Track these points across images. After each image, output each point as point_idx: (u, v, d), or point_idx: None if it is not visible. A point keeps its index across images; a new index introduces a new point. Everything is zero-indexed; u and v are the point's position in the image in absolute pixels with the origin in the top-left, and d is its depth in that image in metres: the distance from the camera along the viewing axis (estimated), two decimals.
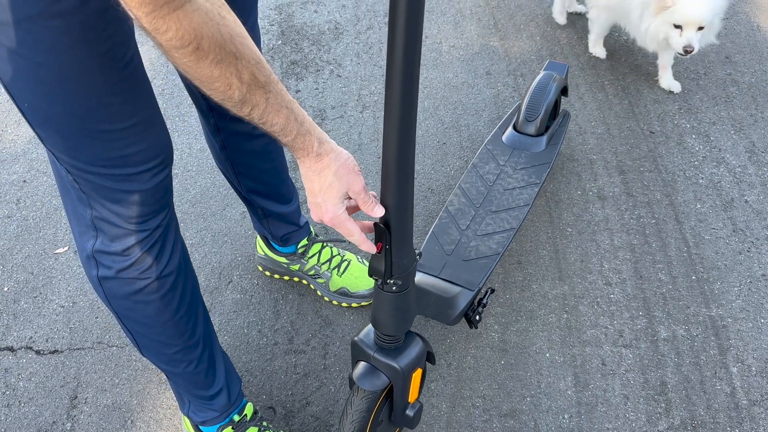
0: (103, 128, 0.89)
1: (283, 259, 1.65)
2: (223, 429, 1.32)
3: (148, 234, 1.04)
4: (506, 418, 1.46)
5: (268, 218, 1.54)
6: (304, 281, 1.70)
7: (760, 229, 1.82)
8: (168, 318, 1.14)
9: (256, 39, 1.24)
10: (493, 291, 1.51)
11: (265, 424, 1.37)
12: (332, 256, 1.65)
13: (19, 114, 2.14)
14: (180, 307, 1.15)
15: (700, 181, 1.96)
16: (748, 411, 1.47)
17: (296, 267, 1.66)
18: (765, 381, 1.52)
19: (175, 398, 1.47)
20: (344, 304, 1.64)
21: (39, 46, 0.79)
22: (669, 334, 1.60)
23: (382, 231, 0.99)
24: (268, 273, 1.72)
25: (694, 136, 2.09)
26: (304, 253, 1.64)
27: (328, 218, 0.98)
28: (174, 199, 1.73)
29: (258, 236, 1.67)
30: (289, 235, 1.59)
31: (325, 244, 1.66)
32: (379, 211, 0.99)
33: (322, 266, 1.64)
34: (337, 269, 1.63)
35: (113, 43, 0.85)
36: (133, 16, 0.68)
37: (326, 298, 1.66)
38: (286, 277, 1.70)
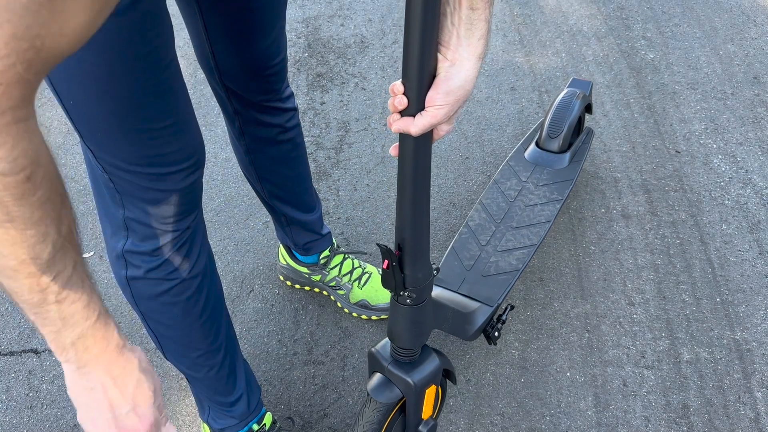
0: (142, 127, 0.91)
1: (304, 269, 1.66)
2: None
3: (178, 234, 1.06)
4: None
5: (290, 226, 1.55)
6: (325, 292, 1.70)
7: None
8: (192, 321, 1.15)
9: (283, 48, 1.26)
10: (512, 307, 1.51)
11: None
12: (353, 268, 1.65)
13: (49, 120, 2.19)
14: (204, 311, 1.16)
15: (726, 202, 1.93)
16: None
17: (317, 278, 1.67)
18: None
19: (195, 405, 1.48)
20: (364, 317, 1.65)
21: (90, 45, 0.79)
22: (692, 357, 1.58)
23: (384, 250, 0.99)
24: (289, 283, 1.73)
25: (720, 157, 2.07)
26: (325, 264, 1.65)
27: (149, 425, 0.78)
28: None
29: (281, 246, 1.68)
30: (311, 243, 1.59)
31: (346, 256, 1.67)
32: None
33: (343, 278, 1.64)
34: (358, 281, 1.64)
35: (156, 46, 0.87)
36: None
37: (346, 310, 1.66)
38: (307, 288, 1.71)
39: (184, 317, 1.14)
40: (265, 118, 1.33)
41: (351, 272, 1.65)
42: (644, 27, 2.58)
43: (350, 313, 1.66)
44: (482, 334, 1.47)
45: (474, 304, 1.46)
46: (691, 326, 1.64)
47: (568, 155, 1.82)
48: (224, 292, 1.68)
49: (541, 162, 1.82)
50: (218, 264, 1.78)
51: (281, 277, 1.74)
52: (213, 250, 1.79)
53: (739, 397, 1.51)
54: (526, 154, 1.85)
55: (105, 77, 0.85)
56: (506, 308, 1.49)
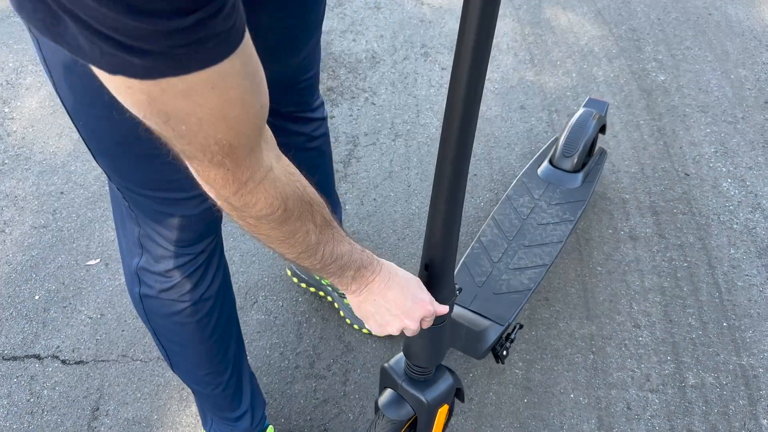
0: (151, 153, 0.88)
1: (303, 286, 1.66)
2: None
3: (191, 258, 1.04)
4: None
5: None
6: (329, 298, 1.70)
7: None
8: (202, 341, 1.15)
9: (315, 63, 1.26)
10: (521, 327, 1.49)
11: None
12: None
13: (60, 127, 2.20)
14: (215, 332, 1.16)
15: (735, 226, 1.92)
16: None
17: (327, 281, 1.66)
18: None
19: (196, 415, 1.47)
20: (364, 330, 1.64)
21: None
22: (697, 381, 1.57)
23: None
24: (296, 280, 1.72)
25: (729, 180, 2.06)
26: None
27: (430, 304, 0.95)
28: None
29: None
30: None
31: None
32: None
33: None
34: None
35: None
36: (220, 199, 0.68)
37: (348, 320, 1.66)
38: (312, 290, 1.71)
39: (194, 337, 1.14)
40: (292, 127, 1.33)
41: None
42: (655, 49, 2.59)
43: (351, 324, 1.65)
44: (492, 354, 1.46)
45: (485, 322, 1.45)
46: (697, 350, 1.63)
47: (581, 175, 1.82)
48: None
49: (554, 180, 1.82)
50: None
51: (288, 272, 1.73)
52: None
53: (744, 424, 1.49)
54: (539, 171, 1.85)
55: (109, 100, 0.84)
56: (515, 327, 1.48)
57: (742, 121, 2.28)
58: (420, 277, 0.99)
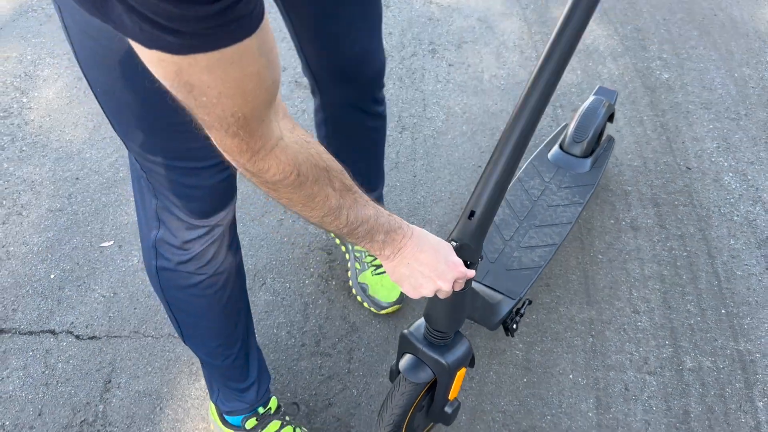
0: (169, 120, 0.92)
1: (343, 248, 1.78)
2: (247, 419, 1.37)
3: (208, 231, 1.08)
4: None
5: None
6: (347, 256, 1.78)
7: None
8: (216, 313, 1.20)
9: (377, 59, 1.33)
10: (530, 302, 1.53)
11: (287, 419, 1.41)
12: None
13: (76, 117, 2.27)
14: (227, 305, 1.21)
15: (735, 218, 1.95)
16: None
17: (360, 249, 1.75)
18: None
19: (205, 388, 1.52)
20: (359, 298, 1.70)
21: (110, 32, 0.86)
22: (695, 365, 1.60)
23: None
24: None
25: (731, 174, 2.09)
26: None
27: (461, 266, 1.01)
28: None
29: None
30: None
31: None
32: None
33: (368, 256, 1.69)
34: (375, 268, 1.68)
35: None
36: (237, 165, 0.75)
37: (351, 285, 1.72)
38: (338, 241, 1.83)
39: (209, 309, 1.19)
40: (350, 115, 1.41)
41: (374, 258, 1.69)
42: (660, 48, 2.63)
43: (351, 290, 1.72)
44: (501, 326, 1.50)
45: (498, 296, 1.50)
46: (695, 336, 1.66)
47: (589, 161, 1.87)
48: None
49: (564, 164, 1.87)
50: None
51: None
52: None
53: (740, 406, 1.52)
54: (549, 156, 1.90)
55: (126, 66, 0.87)
56: (524, 302, 1.52)
57: (745, 117, 2.31)
58: (449, 241, 1.06)
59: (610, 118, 1.98)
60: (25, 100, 2.36)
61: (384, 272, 1.70)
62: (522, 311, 1.49)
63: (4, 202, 1.99)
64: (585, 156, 1.87)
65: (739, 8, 2.84)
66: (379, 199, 1.69)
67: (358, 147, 1.52)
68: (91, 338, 1.65)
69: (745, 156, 2.16)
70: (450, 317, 1.14)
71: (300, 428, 1.41)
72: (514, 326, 1.49)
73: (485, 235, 1.09)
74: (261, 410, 1.38)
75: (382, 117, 1.48)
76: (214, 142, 0.72)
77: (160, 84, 0.71)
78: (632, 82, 2.46)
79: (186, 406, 1.51)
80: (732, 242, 1.88)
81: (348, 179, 0.86)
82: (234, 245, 1.17)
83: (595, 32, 2.71)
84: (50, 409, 1.51)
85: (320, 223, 0.86)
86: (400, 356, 1.25)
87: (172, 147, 0.96)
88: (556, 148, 1.91)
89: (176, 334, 1.61)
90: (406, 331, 1.23)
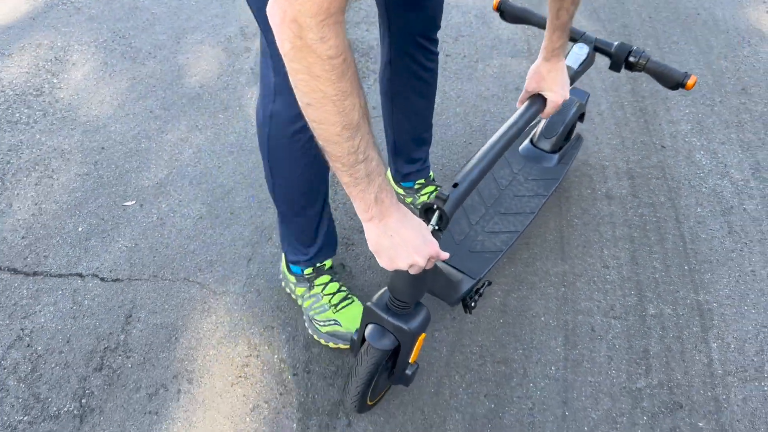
0: None
1: (400, 191, 2.00)
2: (304, 269, 1.65)
3: None
4: (499, 364, 1.64)
5: (397, 155, 1.88)
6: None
7: (754, 233, 1.98)
8: (309, 173, 1.43)
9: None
10: (490, 283, 1.66)
11: (336, 276, 1.72)
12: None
13: (102, 95, 2.48)
14: (321, 168, 1.43)
15: (703, 189, 2.13)
16: (722, 379, 1.61)
17: (410, 200, 1.97)
18: (741, 357, 1.66)
19: (215, 322, 1.70)
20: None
21: None
22: (657, 312, 1.77)
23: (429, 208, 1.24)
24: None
25: (702, 152, 2.27)
26: (419, 189, 1.95)
27: (437, 246, 1.11)
28: (229, 172, 2.04)
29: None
30: (411, 174, 1.92)
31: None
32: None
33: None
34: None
35: None
36: (304, 30, 0.80)
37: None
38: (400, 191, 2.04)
39: (304, 170, 1.42)
40: (413, 51, 1.61)
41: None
42: (645, 42, 2.81)
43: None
44: (461, 303, 1.65)
45: (459, 275, 1.63)
46: (659, 287, 1.83)
47: (557, 156, 2.01)
48: (246, 238, 1.93)
49: (533, 158, 2.01)
50: (242, 216, 2.02)
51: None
52: (239, 205, 2.04)
53: (696, 346, 1.68)
54: (520, 149, 2.04)
55: None
56: (484, 283, 1.66)
57: (720, 104, 2.49)
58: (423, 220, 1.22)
59: (581, 117, 2.12)
60: (55, 81, 2.58)
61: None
62: (481, 291, 1.63)
63: (37, 167, 2.20)
64: (553, 151, 2.00)
65: (721, 8, 3.03)
66: (425, 157, 1.92)
67: (416, 89, 1.72)
68: (115, 280, 1.84)
69: (717, 137, 2.33)
70: (414, 289, 1.25)
71: (344, 285, 1.71)
72: (473, 304, 1.61)
73: (458, 206, 1.24)
74: (318, 265, 1.65)
75: (436, 56, 1.69)
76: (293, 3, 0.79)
77: None
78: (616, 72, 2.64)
79: (198, 336, 1.70)
80: (699, 210, 2.05)
81: (367, 108, 0.92)
82: None
83: (584, 28, 2.90)
84: (77, 337, 1.70)
85: (336, 138, 0.91)
86: (363, 327, 1.36)
87: None
88: (526, 142, 2.04)
89: (192, 278, 1.81)
90: (369, 303, 1.33)
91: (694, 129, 2.37)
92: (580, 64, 1.72)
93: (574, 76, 1.69)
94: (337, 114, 0.88)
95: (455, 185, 1.23)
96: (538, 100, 1.49)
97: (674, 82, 1.70)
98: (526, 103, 1.48)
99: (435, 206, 1.21)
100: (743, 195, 2.10)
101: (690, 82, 1.66)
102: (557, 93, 1.48)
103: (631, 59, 1.72)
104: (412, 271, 1.12)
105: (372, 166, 0.97)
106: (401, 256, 1.07)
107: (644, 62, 1.71)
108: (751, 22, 2.92)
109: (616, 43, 1.75)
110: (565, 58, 1.64)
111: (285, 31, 0.83)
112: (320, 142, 0.95)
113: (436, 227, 1.22)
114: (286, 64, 0.87)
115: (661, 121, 2.41)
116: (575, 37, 1.77)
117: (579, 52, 1.73)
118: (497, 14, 2.99)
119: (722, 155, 2.26)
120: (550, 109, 1.50)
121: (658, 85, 2.58)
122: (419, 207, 1.90)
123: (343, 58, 0.84)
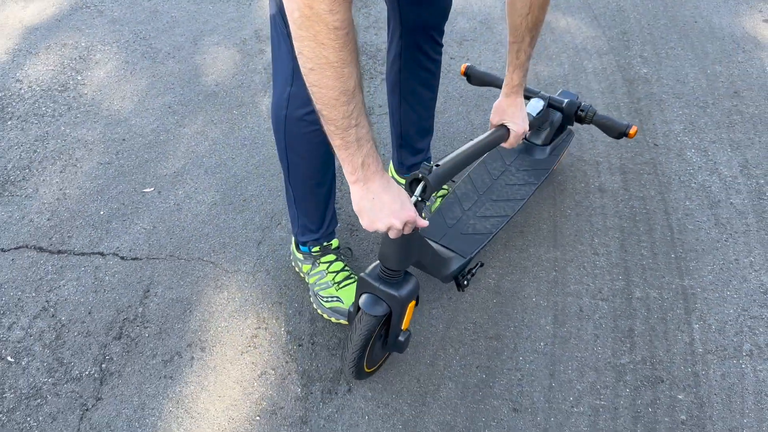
0: None
1: (403, 182, 2.08)
2: (312, 247, 1.78)
3: None
4: (491, 340, 1.75)
5: (402, 148, 1.98)
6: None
7: (740, 225, 2.08)
8: (324, 157, 1.53)
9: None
10: (482, 265, 1.77)
11: (341, 257, 1.82)
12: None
13: (124, 92, 2.63)
14: (330, 153, 1.52)
15: (693, 184, 2.23)
16: (702, 357, 1.71)
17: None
18: (721, 337, 1.76)
19: (227, 297, 1.82)
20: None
21: None
22: (643, 295, 1.87)
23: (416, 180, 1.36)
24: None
25: (693, 150, 2.37)
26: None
27: (414, 212, 1.22)
28: (242, 163, 2.17)
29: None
30: (415, 165, 2.02)
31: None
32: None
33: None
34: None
35: None
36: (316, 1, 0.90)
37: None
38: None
39: (316, 152, 1.52)
40: (423, 43, 1.72)
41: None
42: (642, 48, 2.93)
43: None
44: (453, 281, 1.76)
45: (450, 254, 1.74)
46: (645, 273, 1.93)
47: (548, 148, 2.12)
48: (257, 223, 2.06)
49: (525, 150, 2.12)
50: (254, 203, 2.15)
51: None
52: (251, 193, 2.16)
53: (679, 327, 1.78)
54: None
55: None
56: (477, 264, 1.77)
57: (712, 106, 2.60)
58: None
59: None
60: (79, 78, 2.73)
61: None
62: (474, 271, 1.74)
63: (62, 156, 2.34)
64: (545, 144, 2.10)
65: (718, 16, 3.14)
66: (427, 147, 2.02)
67: (423, 80, 1.82)
68: (134, 259, 1.97)
69: (708, 136, 2.44)
70: (400, 256, 1.36)
71: (348, 266, 1.81)
72: (465, 282, 1.72)
73: (443, 182, 1.35)
74: (325, 243, 1.77)
75: (441, 48, 1.78)
76: None
77: None
78: (613, 75, 2.76)
79: (211, 310, 1.82)
80: (687, 203, 2.16)
81: (362, 81, 1.02)
82: None
83: (584, 33, 3.03)
84: (98, 309, 1.83)
85: (333, 102, 0.99)
86: (358, 297, 1.47)
87: None
88: None
89: (206, 257, 1.93)
90: (362, 274, 1.44)
91: (687, 129, 2.48)
92: (537, 114, 1.93)
93: (533, 122, 1.90)
94: (337, 79, 0.98)
95: (437, 165, 1.36)
96: (503, 128, 1.65)
97: (618, 132, 1.93)
98: (493, 129, 1.66)
99: (420, 175, 1.33)
100: (731, 190, 2.20)
101: (631, 131, 1.89)
102: (519, 125, 1.63)
103: (580, 113, 1.97)
104: (391, 235, 1.23)
105: (362, 132, 1.07)
106: (380, 218, 1.17)
107: (591, 115, 1.96)
108: (747, 29, 3.03)
109: (566, 100, 1.97)
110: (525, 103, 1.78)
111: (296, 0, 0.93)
112: (318, 106, 1.05)
113: (419, 198, 1.33)
114: (292, 31, 0.98)
115: (655, 121, 2.51)
116: (531, 96, 2.01)
117: (536, 104, 1.95)
118: (502, 19, 3.12)
119: (712, 153, 2.36)
120: (513, 139, 1.65)
121: (654, 87, 2.69)
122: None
123: (347, 31, 0.94)
